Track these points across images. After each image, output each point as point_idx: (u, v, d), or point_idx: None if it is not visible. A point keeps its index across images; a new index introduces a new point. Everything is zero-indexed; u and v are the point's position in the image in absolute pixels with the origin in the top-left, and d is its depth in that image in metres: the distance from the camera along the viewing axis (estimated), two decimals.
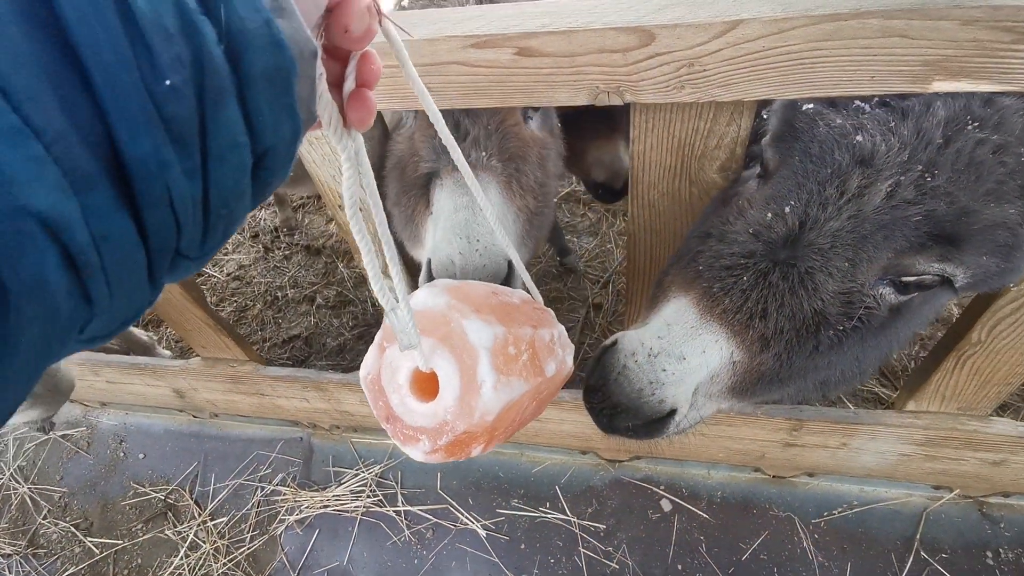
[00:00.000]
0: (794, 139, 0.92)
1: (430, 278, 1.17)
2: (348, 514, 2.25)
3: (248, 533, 2.29)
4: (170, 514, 2.40)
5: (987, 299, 1.26)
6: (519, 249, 1.25)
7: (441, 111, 0.72)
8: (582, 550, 2.06)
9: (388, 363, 0.79)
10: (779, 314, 0.90)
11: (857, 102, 0.88)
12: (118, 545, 2.35)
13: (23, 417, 1.75)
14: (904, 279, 0.89)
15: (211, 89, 0.36)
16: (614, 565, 2.02)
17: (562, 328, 0.96)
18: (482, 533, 2.13)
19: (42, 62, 0.30)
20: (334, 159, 1.33)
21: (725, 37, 0.88)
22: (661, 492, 2.12)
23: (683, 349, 0.94)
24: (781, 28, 0.85)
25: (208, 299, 3.17)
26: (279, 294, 3.29)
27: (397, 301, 0.69)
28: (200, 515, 2.35)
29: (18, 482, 2.59)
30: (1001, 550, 1.86)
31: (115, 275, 0.35)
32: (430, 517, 2.20)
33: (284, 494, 2.33)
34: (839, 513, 1.98)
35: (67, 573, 2.31)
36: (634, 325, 1.07)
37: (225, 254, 3.55)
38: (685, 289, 0.98)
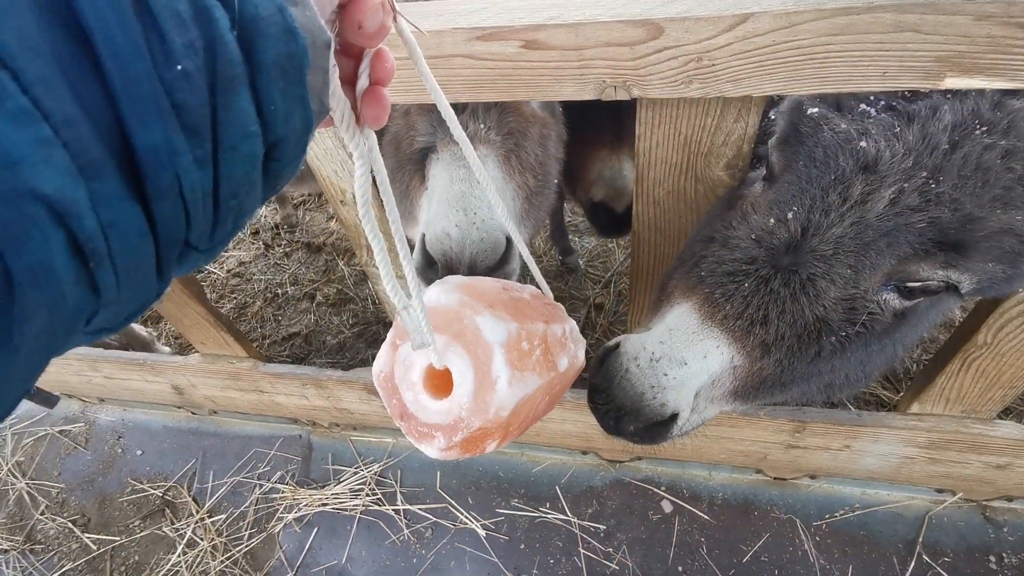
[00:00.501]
0: (799, 143, 0.92)
1: (424, 254, 1.14)
2: (347, 512, 2.24)
3: (246, 531, 2.28)
4: (168, 511, 2.38)
5: (993, 301, 1.25)
6: (517, 228, 1.23)
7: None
8: (582, 551, 2.05)
9: (401, 360, 0.79)
10: (780, 320, 0.90)
11: (863, 106, 0.87)
12: (115, 542, 2.34)
13: None
14: (909, 285, 0.89)
15: (224, 77, 0.36)
16: (614, 566, 2.01)
17: (573, 323, 0.95)
18: (481, 533, 2.12)
19: (53, 45, 0.29)
20: (336, 154, 1.31)
21: (735, 31, 0.87)
22: (662, 493, 2.11)
23: (684, 354, 0.95)
24: (792, 22, 0.84)
25: (208, 296, 3.16)
26: (279, 291, 3.28)
27: (410, 299, 0.68)
28: (198, 512, 2.34)
29: (16, 477, 2.58)
30: (1004, 555, 1.85)
31: (123, 265, 0.34)
32: (429, 516, 2.19)
33: (283, 492, 2.32)
34: (841, 515, 1.97)
35: (64, 569, 2.30)
36: (638, 328, 1.07)
37: (225, 251, 3.54)
38: (687, 294, 0.98)
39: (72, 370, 2.42)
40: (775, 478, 2.06)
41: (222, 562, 2.20)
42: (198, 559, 2.22)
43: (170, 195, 0.35)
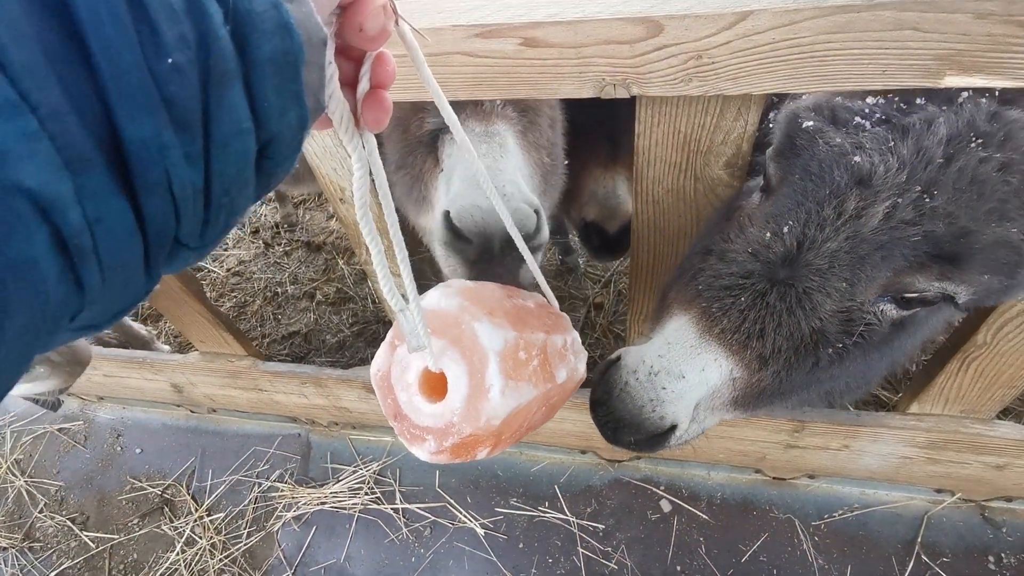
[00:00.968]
0: (795, 156, 0.92)
1: (450, 230, 1.08)
2: (346, 511, 2.23)
3: (245, 529, 2.28)
4: (167, 509, 2.38)
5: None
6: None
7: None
8: (581, 550, 2.05)
9: (398, 361, 0.79)
10: (777, 334, 0.91)
11: (858, 119, 0.87)
12: (114, 540, 2.34)
13: (41, 387, 1.66)
14: (906, 296, 0.89)
15: (216, 71, 0.35)
16: (613, 565, 2.00)
17: (576, 334, 0.95)
18: (480, 532, 2.12)
19: (41, 35, 0.29)
20: (335, 152, 1.31)
21: (734, 28, 0.87)
22: (661, 492, 2.10)
23: (683, 368, 0.96)
24: (792, 20, 0.84)
25: (208, 294, 3.16)
26: (279, 290, 3.27)
27: (407, 302, 0.68)
28: (197, 510, 2.34)
29: (15, 475, 2.58)
30: (1003, 555, 1.85)
31: (109, 261, 0.34)
32: (428, 515, 2.18)
33: (281, 490, 2.32)
34: (840, 515, 1.97)
35: (63, 567, 2.30)
36: (639, 340, 1.08)
37: (225, 250, 3.54)
38: (685, 308, 0.99)
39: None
40: (774, 478, 2.05)
41: (221, 560, 2.20)
42: (197, 557, 2.22)
43: (159, 191, 0.34)
